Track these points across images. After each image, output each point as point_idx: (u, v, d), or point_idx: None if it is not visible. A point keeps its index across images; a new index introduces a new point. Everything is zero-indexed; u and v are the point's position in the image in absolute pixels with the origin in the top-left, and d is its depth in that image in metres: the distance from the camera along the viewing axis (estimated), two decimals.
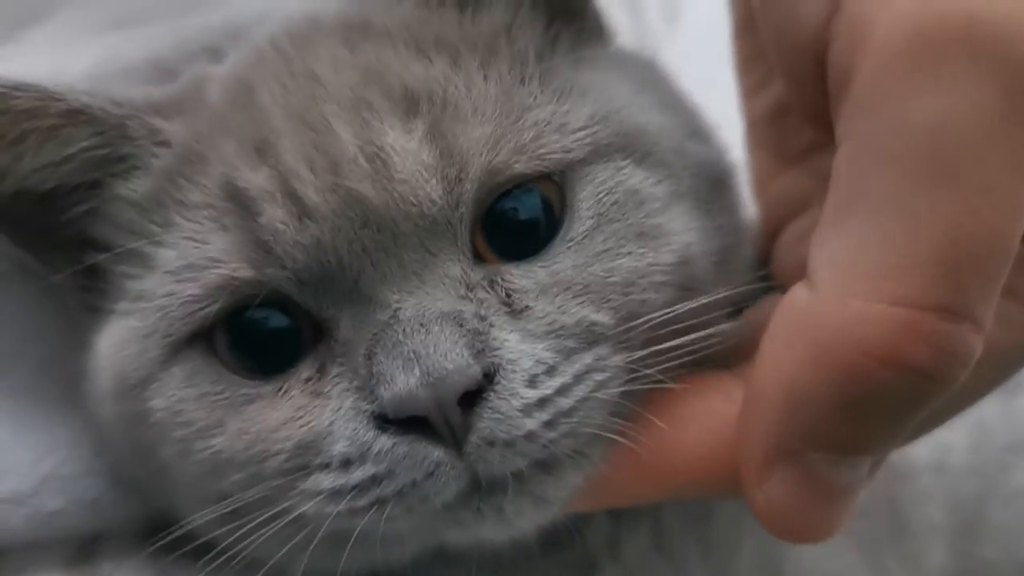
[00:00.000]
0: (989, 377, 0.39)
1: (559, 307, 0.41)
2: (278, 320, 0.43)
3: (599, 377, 0.41)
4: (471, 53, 0.45)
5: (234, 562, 0.43)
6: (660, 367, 0.41)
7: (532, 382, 0.40)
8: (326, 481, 0.40)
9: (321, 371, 0.42)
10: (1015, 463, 0.56)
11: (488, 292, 0.42)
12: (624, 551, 0.51)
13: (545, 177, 0.43)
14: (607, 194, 0.43)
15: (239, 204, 0.42)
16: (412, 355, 0.39)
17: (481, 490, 0.40)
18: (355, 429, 0.40)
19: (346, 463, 0.40)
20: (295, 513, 0.40)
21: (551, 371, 0.40)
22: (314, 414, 0.41)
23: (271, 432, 0.41)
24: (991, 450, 0.56)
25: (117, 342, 0.45)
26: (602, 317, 0.41)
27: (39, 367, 0.50)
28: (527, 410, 0.39)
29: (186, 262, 0.43)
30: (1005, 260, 0.33)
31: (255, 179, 0.42)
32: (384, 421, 0.39)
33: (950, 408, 0.40)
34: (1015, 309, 0.38)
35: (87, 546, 0.50)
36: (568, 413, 0.40)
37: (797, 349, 0.35)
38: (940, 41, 0.33)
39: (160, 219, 0.44)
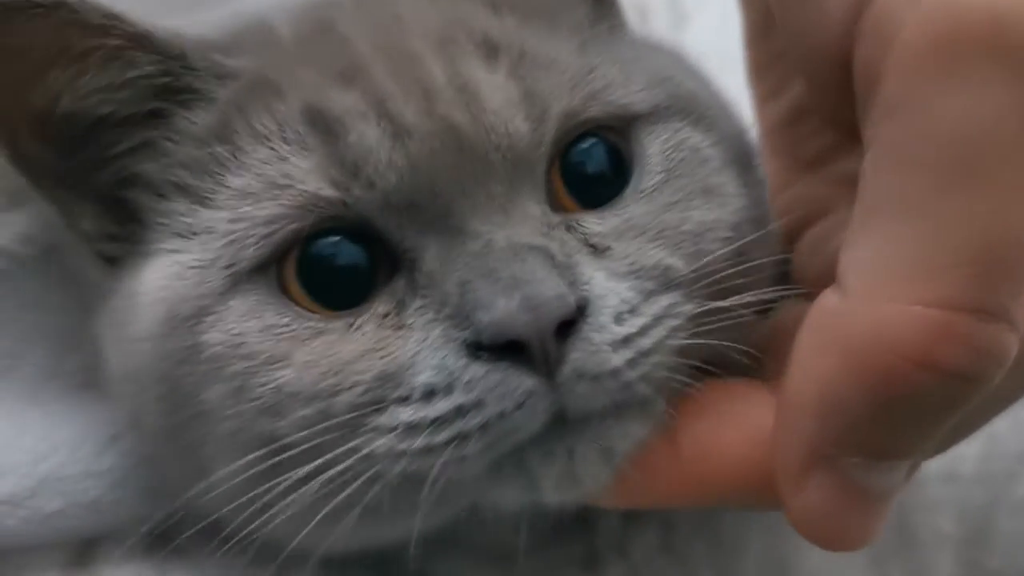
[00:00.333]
0: (1022, 379, 0.39)
1: (638, 249, 0.42)
2: (353, 253, 0.42)
3: (673, 323, 0.41)
4: (536, 15, 0.46)
5: (246, 545, 0.42)
6: (718, 324, 0.41)
7: (618, 319, 0.40)
8: (405, 414, 0.39)
9: (400, 305, 0.41)
10: None
11: (567, 233, 0.42)
12: (632, 548, 0.51)
13: (613, 130, 0.45)
14: (674, 151, 0.45)
15: (323, 127, 0.42)
16: (511, 281, 0.38)
17: (556, 432, 0.39)
18: (444, 357, 0.39)
19: (429, 394, 0.39)
20: (362, 452, 0.39)
21: (634, 310, 0.40)
22: (396, 345, 0.40)
23: (346, 364, 0.40)
24: (1000, 459, 0.56)
25: (166, 276, 0.44)
26: (676, 261, 0.42)
27: (39, 368, 0.50)
28: (614, 346, 0.39)
29: (263, 184, 0.42)
30: None
31: (344, 100, 0.42)
32: (477, 349, 0.39)
33: (984, 412, 0.40)
34: None
35: (86, 548, 0.49)
36: (646, 353, 0.40)
37: (830, 354, 0.35)
38: (967, 42, 0.33)
39: (226, 150, 0.44)
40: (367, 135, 0.41)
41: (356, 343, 0.41)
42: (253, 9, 0.52)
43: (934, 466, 0.54)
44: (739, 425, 0.41)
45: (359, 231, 0.42)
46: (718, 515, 0.52)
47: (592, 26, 0.48)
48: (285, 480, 0.40)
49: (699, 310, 0.42)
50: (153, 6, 0.51)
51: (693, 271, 0.42)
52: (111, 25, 0.43)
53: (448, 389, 0.39)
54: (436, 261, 0.41)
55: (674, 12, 0.75)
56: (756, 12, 0.51)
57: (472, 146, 0.41)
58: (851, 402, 0.34)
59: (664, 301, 0.41)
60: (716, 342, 0.41)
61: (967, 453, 0.55)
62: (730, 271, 0.42)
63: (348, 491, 0.39)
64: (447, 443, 0.39)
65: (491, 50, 0.44)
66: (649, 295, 0.41)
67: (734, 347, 0.42)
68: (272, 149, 0.43)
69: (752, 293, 0.43)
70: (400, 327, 0.41)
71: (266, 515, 0.41)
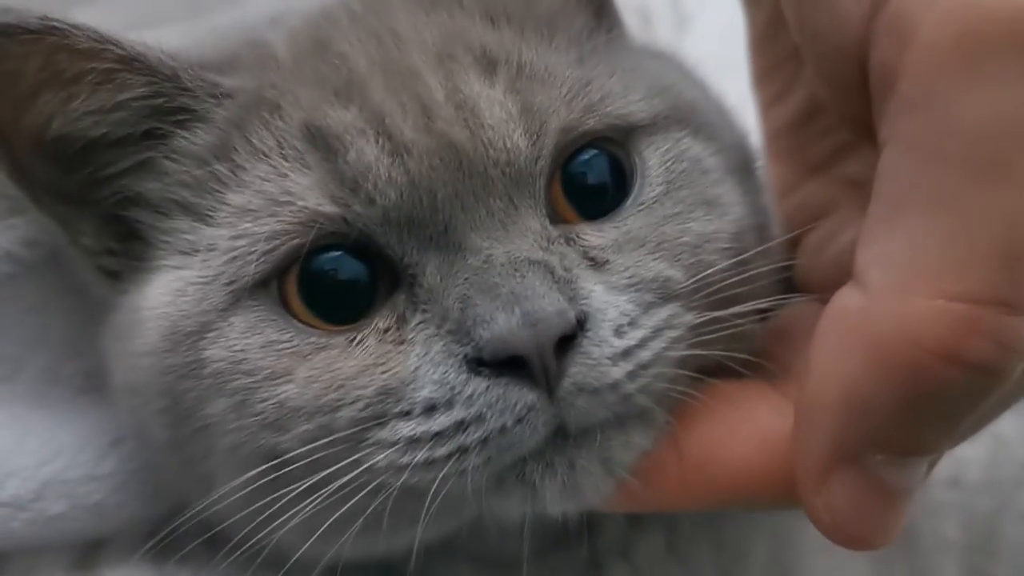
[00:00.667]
0: None
1: (637, 262, 0.42)
2: (354, 268, 0.42)
3: (673, 334, 0.41)
4: (534, 27, 0.46)
5: (251, 554, 0.42)
6: (718, 334, 0.41)
7: (618, 332, 0.40)
8: (406, 428, 0.39)
9: (401, 320, 0.41)
10: None
11: (566, 247, 0.42)
12: (634, 552, 0.51)
13: (613, 141, 0.45)
14: (674, 162, 0.45)
15: (321, 144, 0.42)
16: (511, 296, 0.39)
17: (557, 445, 0.40)
18: (445, 372, 0.39)
19: (430, 409, 0.39)
20: (364, 466, 0.39)
21: (633, 323, 0.41)
22: (397, 360, 0.40)
23: (347, 380, 0.40)
24: (1007, 466, 0.55)
25: (169, 293, 0.44)
26: (675, 273, 0.42)
27: (43, 372, 0.50)
28: (614, 359, 0.40)
29: (263, 200, 0.42)
30: None
31: (342, 117, 0.42)
32: (478, 364, 0.39)
33: (998, 407, 0.39)
34: None
35: (89, 550, 0.50)
36: (646, 366, 0.40)
37: (853, 351, 0.35)
38: (987, 38, 0.33)
39: (225, 168, 0.44)
40: (366, 152, 0.41)
41: (357, 358, 0.41)
42: (262, 11, 0.52)
43: (939, 472, 0.54)
44: (744, 427, 0.41)
45: (359, 247, 0.42)
46: (722, 519, 0.52)
47: (591, 36, 0.48)
48: (288, 493, 0.40)
49: (699, 320, 0.42)
50: (164, 10, 0.52)
51: (693, 282, 0.42)
52: (102, 48, 0.43)
53: (449, 404, 0.39)
54: (436, 276, 0.41)
55: (676, 15, 0.74)
56: (761, 17, 0.51)
57: (471, 162, 0.41)
58: (877, 399, 0.34)
59: (663, 313, 0.41)
60: (716, 352, 0.41)
61: (973, 459, 0.55)
62: (731, 280, 0.42)
63: (350, 503, 0.40)
64: (448, 457, 0.39)
65: (489, 64, 0.44)
66: (648, 307, 0.41)
67: (734, 356, 0.42)
68: (271, 166, 0.43)
69: (753, 303, 0.42)
70: (401, 342, 0.41)
71: (270, 526, 0.41)
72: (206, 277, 0.43)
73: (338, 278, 0.42)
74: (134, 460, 0.49)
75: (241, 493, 0.41)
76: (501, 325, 0.38)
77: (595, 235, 0.43)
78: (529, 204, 0.42)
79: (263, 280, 0.42)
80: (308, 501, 0.40)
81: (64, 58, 0.42)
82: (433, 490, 0.39)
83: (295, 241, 0.42)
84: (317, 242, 0.42)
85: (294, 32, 0.48)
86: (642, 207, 0.44)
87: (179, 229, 0.45)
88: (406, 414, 0.40)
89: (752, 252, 0.44)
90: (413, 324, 0.41)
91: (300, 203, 0.41)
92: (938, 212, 0.33)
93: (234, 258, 0.42)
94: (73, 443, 0.48)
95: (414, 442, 0.39)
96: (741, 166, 0.49)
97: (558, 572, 0.50)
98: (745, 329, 0.43)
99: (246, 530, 0.42)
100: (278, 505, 0.40)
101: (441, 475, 0.39)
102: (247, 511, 0.42)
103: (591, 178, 0.44)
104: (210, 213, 0.44)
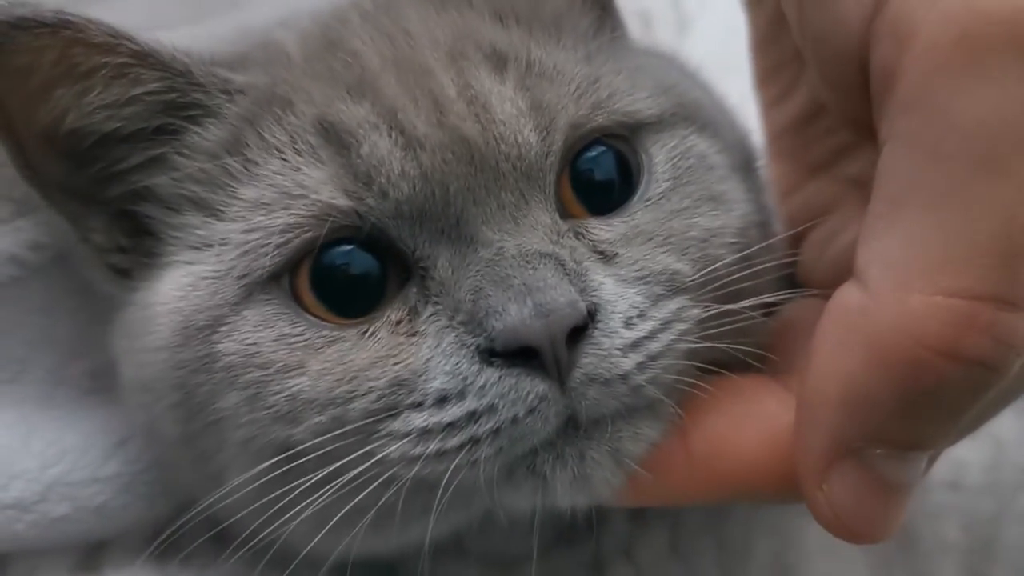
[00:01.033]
0: None
1: (645, 255, 0.43)
2: (365, 261, 0.42)
3: (681, 326, 0.41)
4: (542, 27, 0.47)
5: (257, 551, 0.42)
6: (725, 328, 0.42)
7: (628, 323, 0.40)
8: (418, 419, 0.40)
9: (412, 312, 0.42)
10: None
11: (576, 240, 0.43)
12: (638, 551, 0.51)
13: (619, 137, 0.45)
14: (681, 158, 0.45)
15: (335, 139, 0.42)
16: (523, 288, 0.39)
17: (568, 436, 0.40)
18: (457, 363, 0.40)
19: (442, 400, 0.40)
20: (376, 458, 0.40)
21: (643, 315, 0.41)
22: (410, 351, 0.41)
23: (360, 371, 0.40)
24: (1007, 469, 0.55)
25: (181, 288, 0.44)
26: (683, 267, 0.43)
27: (48, 374, 0.50)
28: (624, 350, 0.40)
29: (276, 194, 0.43)
30: None
31: (355, 112, 0.43)
32: (490, 355, 0.39)
33: (999, 401, 0.40)
34: None
35: (93, 552, 0.50)
36: (655, 357, 0.41)
37: (853, 347, 0.35)
38: (987, 38, 0.33)
39: (237, 163, 0.44)
40: (379, 146, 0.42)
41: (370, 350, 0.41)
42: (265, 16, 0.53)
43: (939, 474, 0.54)
44: (750, 421, 0.41)
45: (371, 240, 0.42)
46: (725, 517, 0.53)
47: (596, 36, 0.49)
48: (300, 485, 0.40)
49: (706, 314, 0.42)
50: (166, 14, 0.52)
51: (700, 275, 0.42)
52: (116, 43, 0.43)
53: (461, 395, 0.39)
54: (448, 269, 0.41)
55: (677, 17, 0.75)
56: (763, 18, 0.52)
57: (483, 156, 0.42)
58: (877, 394, 0.35)
59: (672, 305, 0.42)
60: (723, 344, 0.42)
61: (973, 462, 0.55)
62: (736, 275, 0.43)
63: (362, 495, 0.40)
64: (460, 447, 0.39)
65: (499, 61, 0.44)
66: (657, 299, 0.42)
67: (741, 349, 0.42)
68: (284, 160, 0.43)
69: (758, 297, 0.43)
70: (413, 334, 0.41)
71: (280, 519, 0.41)
72: (218, 271, 0.43)
73: (350, 272, 0.42)
74: (138, 462, 0.49)
75: (252, 487, 0.42)
76: (514, 316, 0.39)
77: (603, 229, 0.43)
78: (539, 198, 0.43)
79: (276, 273, 0.42)
80: (320, 493, 0.40)
81: (79, 52, 0.43)
82: (445, 481, 0.39)
83: (308, 234, 0.42)
84: (330, 236, 0.42)
85: (305, 31, 0.48)
86: (649, 202, 0.44)
87: (190, 224, 0.45)
88: (418, 405, 0.40)
89: (756, 248, 0.45)
90: (425, 316, 0.41)
91: (313, 196, 0.42)
92: (937, 210, 0.34)
93: (247, 252, 0.43)
94: (77, 445, 0.49)
95: (426, 433, 0.40)
96: (743, 164, 0.49)
97: (561, 571, 0.50)
98: (751, 323, 0.43)
99: (256, 524, 0.42)
100: (289, 498, 0.41)
101: (453, 466, 0.39)
102: (258, 504, 0.42)
103: (598, 174, 0.45)
104: (222, 208, 0.44)
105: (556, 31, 0.47)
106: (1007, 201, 0.33)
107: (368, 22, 0.47)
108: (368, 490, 0.40)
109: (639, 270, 0.42)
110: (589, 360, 0.39)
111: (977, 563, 0.55)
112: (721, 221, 0.44)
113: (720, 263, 0.43)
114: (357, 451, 0.40)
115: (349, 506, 0.40)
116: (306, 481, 0.40)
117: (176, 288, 0.44)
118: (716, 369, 0.42)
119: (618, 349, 0.40)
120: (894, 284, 0.34)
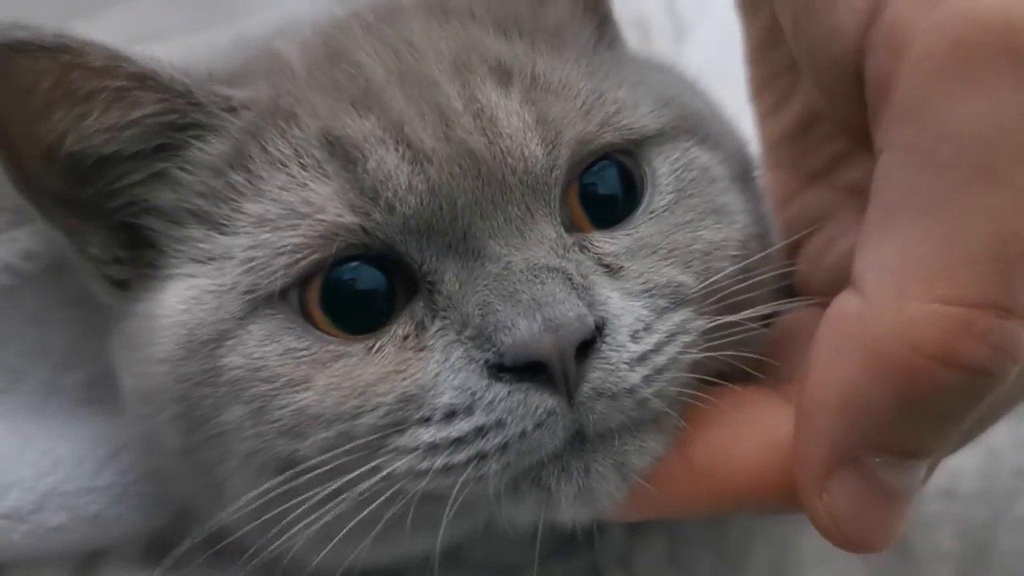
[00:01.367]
0: None
1: (650, 268, 0.43)
2: (372, 277, 0.42)
3: (686, 339, 0.42)
4: (544, 39, 0.47)
5: (255, 562, 0.42)
6: (728, 339, 0.42)
7: (634, 337, 0.41)
8: (426, 434, 0.40)
9: (419, 327, 0.42)
10: None
11: (581, 254, 0.43)
12: (635, 561, 0.51)
13: (623, 151, 0.45)
14: (684, 171, 0.46)
15: (340, 153, 0.42)
16: (532, 303, 0.39)
17: (574, 449, 0.40)
18: (465, 378, 0.40)
19: (450, 415, 0.39)
20: (383, 473, 0.39)
21: (648, 328, 0.41)
22: (418, 367, 0.40)
23: (368, 387, 0.40)
24: (1000, 476, 0.56)
25: (184, 301, 0.44)
26: (687, 279, 0.43)
27: (42, 384, 0.50)
28: (631, 364, 0.40)
29: (282, 210, 0.42)
30: None
31: (361, 126, 0.42)
32: (499, 370, 0.39)
33: (997, 409, 0.40)
34: None
35: (89, 561, 0.50)
36: (661, 370, 0.41)
37: (851, 355, 0.35)
38: (981, 47, 0.33)
39: (241, 177, 0.44)
40: (386, 160, 0.41)
41: (377, 365, 0.41)
42: (262, 26, 0.53)
43: (933, 482, 0.54)
44: (750, 432, 0.41)
45: (378, 255, 0.42)
46: (724, 527, 0.53)
47: (596, 46, 0.49)
48: (304, 501, 0.40)
49: (710, 325, 0.42)
50: (164, 25, 0.52)
51: (703, 287, 0.43)
52: (115, 66, 0.43)
53: (469, 410, 0.39)
54: (455, 283, 0.41)
55: (675, 27, 0.75)
56: (758, 27, 0.52)
57: (489, 170, 0.42)
58: (875, 402, 0.35)
59: (677, 318, 0.42)
60: (727, 354, 0.42)
61: (966, 469, 0.55)
62: (737, 286, 0.43)
63: (368, 510, 0.40)
64: (467, 462, 0.39)
65: (504, 74, 0.44)
66: (662, 312, 0.42)
67: (744, 357, 0.42)
68: (290, 175, 0.43)
69: (759, 307, 0.43)
70: (421, 349, 0.41)
71: (284, 535, 0.41)
72: (223, 285, 0.43)
73: (357, 288, 0.42)
74: (132, 472, 0.49)
75: (257, 503, 0.41)
76: (523, 331, 0.39)
77: (608, 243, 0.43)
78: (544, 212, 0.43)
79: (283, 291, 0.42)
80: (325, 509, 0.40)
81: (78, 76, 0.43)
82: (453, 496, 0.39)
83: (316, 256, 0.42)
84: (338, 255, 0.42)
85: (306, 42, 0.48)
86: (653, 215, 0.44)
87: (193, 238, 0.45)
88: (426, 420, 0.40)
89: (755, 258, 0.45)
90: (432, 331, 0.41)
91: (320, 216, 0.42)
92: (933, 217, 0.34)
93: (252, 268, 0.43)
94: (72, 455, 0.49)
95: (433, 448, 0.40)
96: (742, 174, 0.49)
97: None
98: (752, 334, 0.43)
99: (260, 539, 0.42)
100: (294, 514, 0.40)
101: (460, 481, 0.39)
102: (261, 520, 0.42)
103: (602, 188, 0.45)
104: (225, 222, 0.44)
105: (558, 43, 0.47)
106: (1003, 209, 0.33)
107: (371, 33, 0.46)
108: (374, 505, 0.40)
109: (644, 283, 0.42)
110: (597, 374, 0.39)
111: (972, 570, 0.55)
112: (724, 234, 0.45)
113: (721, 274, 0.43)
114: (363, 466, 0.40)
115: (354, 522, 0.40)
116: (311, 496, 0.40)
117: (180, 301, 0.44)
118: (717, 381, 0.42)
119: (625, 363, 0.40)
120: (891, 292, 0.34)
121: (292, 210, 0.42)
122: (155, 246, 0.46)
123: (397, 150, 0.42)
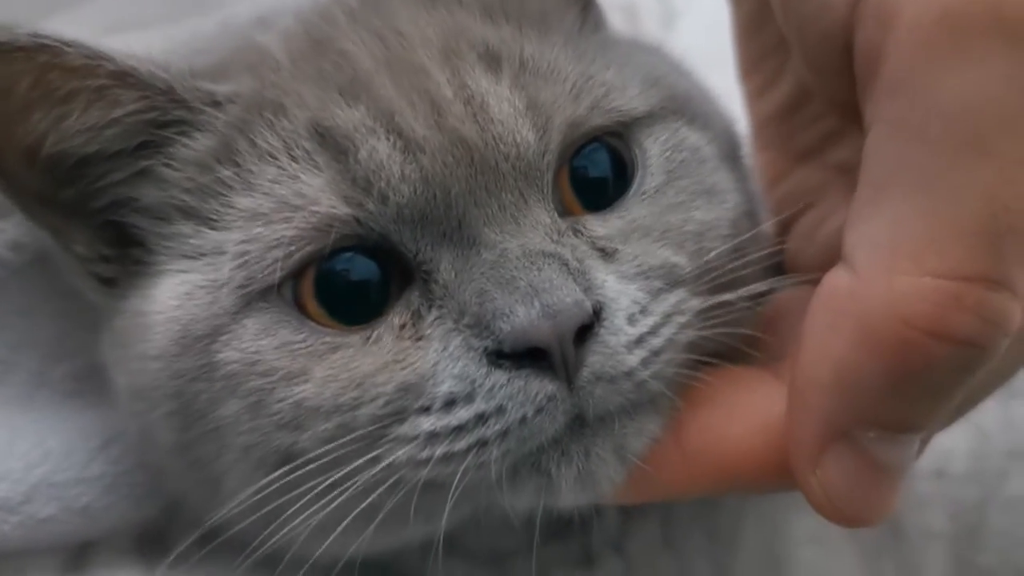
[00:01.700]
0: (1021, 350, 0.39)
1: (644, 250, 0.43)
2: (366, 267, 0.42)
3: (681, 319, 0.42)
4: (531, 24, 0.46)
5: (249, 553, 0.42)
6: (722, 318, 0.42)
7: (631, 320, 0.41)
8: (426, 423, 0.40)
9: (416, 316, 0.41)
10: (1015, 469, 0.56)
11: (575, 238, 0.43)
12: (628, 544, 0.51)
13: (612, 133, 0.45)
14: (674, 151, 0.45)
15: (330, 144, 0.42)
16: (530, 289, 0.39)
17: (574, 432, 0.40)
18: (465, 366, 0.40)
19: (450, 403, 0.39)
20: (384, 463, 0.39)
21: (644, 310, 0.41)
22: (416, 356, 0.40)
23: (366, 377, 0.40)
24: (991, 457, 0.56)
25: (176, 296, 0.44)
26: (681, 259, 0.43)
27: (31, 375, 0.50)
28: (629, 347, 0.40)
29: (274, 203, 0.42)
30: None
31: (350, 116, 0.42)
32: (498, 357, 0.39)
33: (988, 383, 0.40)
34: None
35: (79, 553, 0.50)
36: (658, 352, 0.41)
37: (843, 330, 0.35)
38: (968, 20, 0.33)
39: (230, 171, 0.44)
40: (378, 150, 0.41)
41: (375, 355, 0.41)
42: (246, 13, 0.52)
43: (923, 463, 0.54)
44: (743, 412, 0.41)
45: (371, 245, 0.42)
46: (715, 509, 0.53)
47: (581, 29, 0.48)
48: (304, 493, 0.40)
49: (704, 305, 0.42)
50: (146, 12, 0.51)
51: (697, 268, 0.43)
52: (94, 65, 0.42)
53: (469, 398, 0.39)
54: (451, 272, 0.41)
55: (663, 10, 0.75)
56: (746, 7, 0.52)
57: (482, 157, 0.41)
58: (867, 376, 0.35)
59: (672, 299, 0.42)
60: (721, 332, 0.42)
61: (957, 450, 0.55)
62: (730, 265, 0.43)
63: (369, 500, 0.40)
64: (468, 450, 0.39)
65: (493, 60, 0.44)
66: (657, 294, 0.42)
67: (738, 335, 0.42)
68: (280, 168, 0.43)
69: (752, 286, 0.43)
70: (419, 338, 0.41)
71: (287, 528, 0.41)
72: (216, 280, 0.43)
73: (351, 279, 0.42)
74: (122, 462, 0.49)
75: (256, 496, 0.41)
76: (522, 317, 0.39)
77: (601, 226, 0.43)
78: (538, 198, 0.43)
79: (277, 284, 0.42)
80: (325, 500, 0.40)
81: (56, 76, 0.42)
82: (454, 484, 0.39)
83: (310, 248, 0.41)
84: (333, 245, 0.41)
85: (288, 32, 0.48)
86: (644, 197, 0.44)
87: (182, 234, 0.44)
88: (426, 409, 0.40)
89: (746, 237, 0.45)
90: (430, 320, 0.41)
91: (313, 207, 0.41)
92: (922, 191, 0.34)
93: (245, 263, 0.42)
94: (61, 446, 0.48)
95: (433, 436, 0.39)
96: (730, 153, 0.49)
97: (552, 565, 0.50)
98: (745, 312, 0.43)
99: (258, 533, 0.42)
100: (294, 507, 0.40)
101: (461, 468, 0.39)
102: (261, 514, 0.42)
103: (592, 171, 0.44)
104: (214, 217, 0.44)
105: (544, 27, 0.46)
106: (992, 181, 0.33)
107: (355, 21, 0.46)
108: (375, 495, 0.40)
109: (639, 265, 0.42)
110: (596, 358, 0.39)
111: (964, 550, 0.55)
112: (715, 214, 0.45)
113: (714, 254, 0.43)
114: (363, 456, 0.40)
115: (355, 512, 0.40)
116: (311, 488, 0.40)
117: (172, 297, 0.44)
118: (712, 360, 0.42)
119: (623, 346, 0.40)
120: (881, 266, 0.34)
121: (284, 203, 0.42)
122: (142, 244, 0.46)
123: (388, 139, 0.41)
